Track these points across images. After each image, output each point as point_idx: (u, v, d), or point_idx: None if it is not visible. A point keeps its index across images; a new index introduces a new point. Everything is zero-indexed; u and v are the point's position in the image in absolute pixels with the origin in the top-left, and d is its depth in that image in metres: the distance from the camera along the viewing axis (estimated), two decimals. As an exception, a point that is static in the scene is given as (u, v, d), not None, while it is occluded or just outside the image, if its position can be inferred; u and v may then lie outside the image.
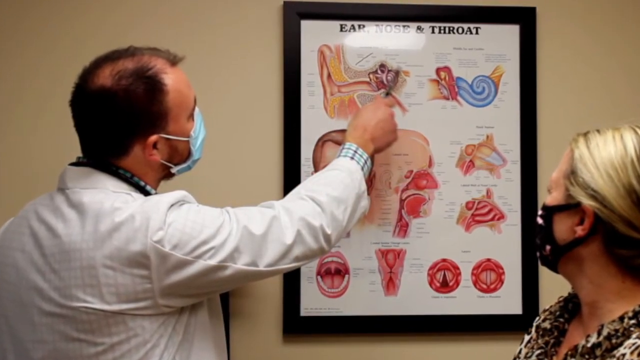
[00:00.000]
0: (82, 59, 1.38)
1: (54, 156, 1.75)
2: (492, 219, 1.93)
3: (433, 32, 1.92)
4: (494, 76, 1.93)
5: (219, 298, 1.47)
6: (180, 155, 1.42)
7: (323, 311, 1.89)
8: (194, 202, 1.37)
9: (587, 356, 1.04)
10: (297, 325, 1.88)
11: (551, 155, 1.89)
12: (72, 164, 1.39)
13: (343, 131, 1.79)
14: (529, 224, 1.89)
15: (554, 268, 1.15)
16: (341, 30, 1.91)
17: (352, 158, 1.61)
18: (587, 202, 1.06)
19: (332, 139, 1.89)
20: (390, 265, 1.90)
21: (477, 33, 1.93)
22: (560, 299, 1.24)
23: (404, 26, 1.92)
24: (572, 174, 1.09)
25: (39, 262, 1.30)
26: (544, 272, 1.74)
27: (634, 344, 0.99)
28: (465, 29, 1.93)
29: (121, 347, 1.27)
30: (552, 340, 1.18)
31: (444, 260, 1.92)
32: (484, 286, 1.92)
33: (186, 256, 1.28)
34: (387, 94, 1.87)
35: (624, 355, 0.99)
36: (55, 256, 1.28)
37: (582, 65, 1.97)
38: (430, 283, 1.91)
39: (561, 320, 1.20)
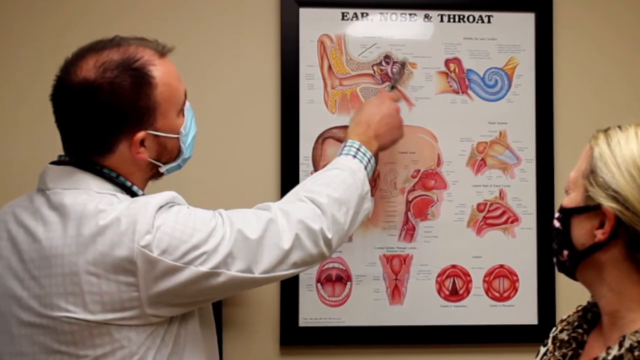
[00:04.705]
0: (63, 50, 1.38)
1: (33, 154, 1.75)
2: (506, 222, 1.93)
3: (442, 20, 1.92)
4: (507, 68, 1.94)
5: (211, 307, 1.47)
6: (169, 153, 1.42)
7: (323, 321, 1.89)
8: (185, 204, 1.37)
9: (607, 370, 1.05)
10: (295, 336, 1.88)
11: (569, 153, 1.89)
12: (53, 163, 1.39)
13: (345, 127, 1.79)
14: (545, 227, 1.89)
15: (572, 275, 1.15)
16: (343, 18, 1.91)
17: (354, 156, 1.61)
18: (607, 203, 1.06)
19: (333, 136, 1.89)
20: (396, 271, 1.91)
21: (489, 22, 1.93)
22: (579, 308, 1.24)
23: (410, 14, 1.92)
24: (591, 173, 1.09)
25: (17, 268, 1.30)
26: (561, 280, 1.74)
27: (658, 356, 0.99)
28: (477, 18, 1.93)
29: (106, 360, 1.28)
30: (570, 353, 1.18)
31: (453, 266, 1.92)
32: (497, 294, 1.93)
33: (176, 262, 1.28)
34: (393, 87, 1.87)
35: (647, 368, 0.99)
36: (35, 262, 1.28)
37: (602, 56, 1.97)
38: (439, 291, 1.91)
39: (580, 331, 1.20)
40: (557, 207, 1.18)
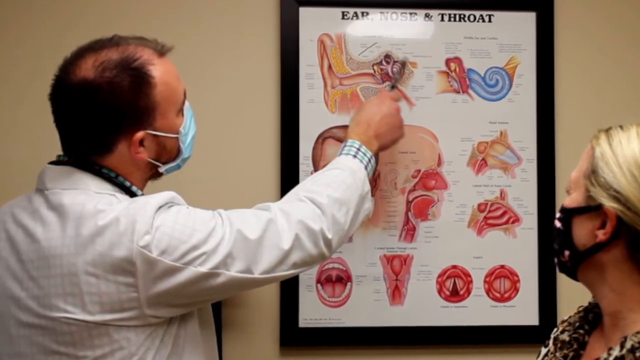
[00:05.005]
0: (63, 49, 1.38)
1: (32, 154, 1.75)
2: (507, 222, 1.93)
3: (442, 20, 1.92)
4: (508, 68, 1.93)
5: (210, 308, 1.47)
6: (168, 153, 1.42)
7: (323, 322, 1.89)
8: (184, 204, 1.37)
9: (609, 371, 1.05)
10: (295, 337, 1.88)
11: (570, 153, 1.89)
12: (52, 163, 1.39)
13: (345, 127, 1.79)
14: (546, 227, 1.88)
15: (573, 275, 1.15)
16: (343, 17, 1.90)
17: (354, 156, 1.61)
18: (609, 203, 1.06)
19: (333, 136, 1.89)
20: (396, 272, 1.90)
21: (490, 21, 1.93)
22: (580, 308, 1.24)
23: (411, 13, 1.92)
24: (592, 173, 1.09)
25: (16, 268, 1.30)
26: (563, 280, 1.74)
27: (659, 357, 0.99)
28: (478, 17, 1.93)
29: (104, 360, 1.27)
30: (571, 354, 1.18)
31: (454, 266, 1.92)
32: (498, 295, 1.92)
33: (175, 262, 1.28)
34: (393, 87, 1.87)
35: (649, 369, 0.99)
36: (34, 262, 1.28)
37: (603, 56, 1.97)
38: (440, 291, 1.91)
39: (581, 331, 1.20)
40: (558, 207, 1.18)
